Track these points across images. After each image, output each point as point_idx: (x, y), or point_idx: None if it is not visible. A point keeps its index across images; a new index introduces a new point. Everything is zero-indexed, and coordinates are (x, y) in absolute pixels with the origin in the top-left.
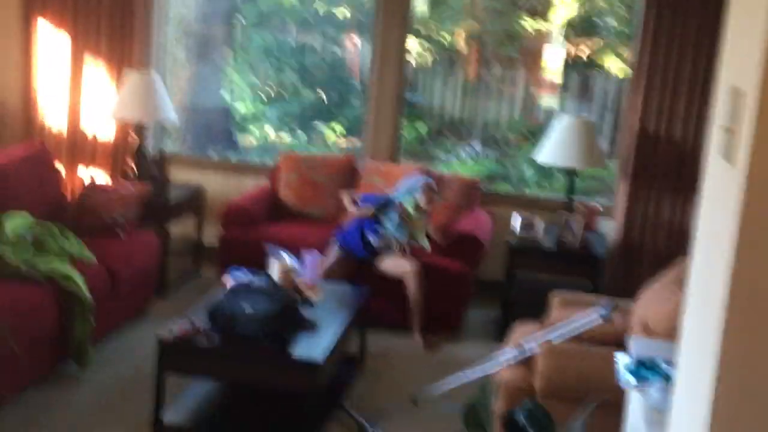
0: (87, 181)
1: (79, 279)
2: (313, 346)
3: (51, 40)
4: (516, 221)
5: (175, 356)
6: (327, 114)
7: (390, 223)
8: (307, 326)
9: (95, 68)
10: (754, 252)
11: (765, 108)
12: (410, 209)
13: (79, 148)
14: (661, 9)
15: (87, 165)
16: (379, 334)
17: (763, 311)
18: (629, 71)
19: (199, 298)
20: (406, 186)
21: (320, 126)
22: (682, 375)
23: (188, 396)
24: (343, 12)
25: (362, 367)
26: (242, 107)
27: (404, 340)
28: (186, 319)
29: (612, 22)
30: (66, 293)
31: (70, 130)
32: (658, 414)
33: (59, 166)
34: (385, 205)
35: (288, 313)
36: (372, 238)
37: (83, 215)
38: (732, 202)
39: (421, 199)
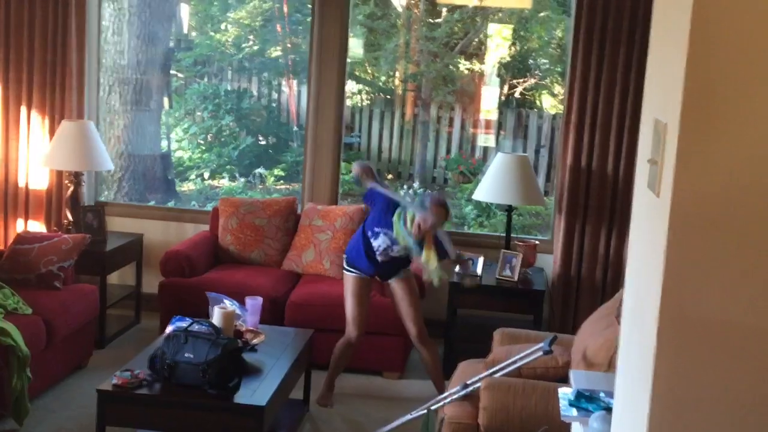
0: (22, 232)
1: (15, 332)
2: (257, 391)
3: None
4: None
5: (116, 407)
6: (266, 158)
7: (400, 227)
8: (250, 371)
9: (29, 119)
10: (680, 280)
11: (685, 139)
12: (407, 220)
13: (13, 199)
14: (588, 46)
15: (22, 216)
16: (324, 375)
17: (691, 338)
18: (561, 108)
19: (139, 348)
20: (419, 201)
21: (259, 170)
22: (619, 404)
23: None
24: (278, 55)
25: (307, 409)
26: (180, 154)
27: (348, 380)
28: (126, 369)
29: (544, 61)
30: (2, 347)
31: (3, 182)
32: None
33: None
34: (394, 203)
35: (230, 358)
36: (377, 243)
37: (18, 267)
38: (658, 231)
39: (419, 218)
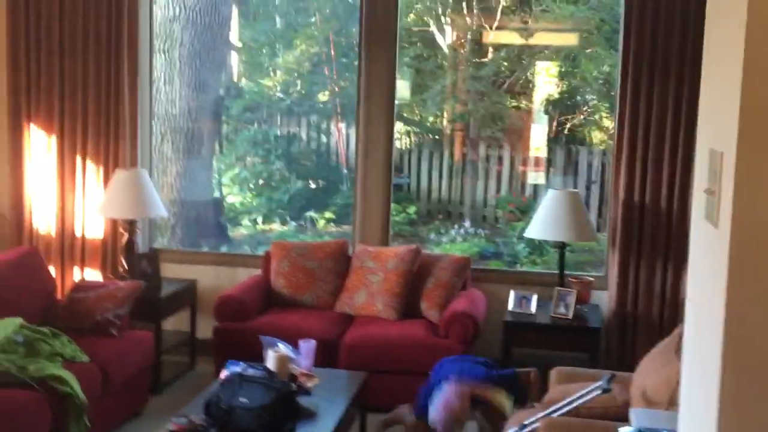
0: (78, 281)
1: (72, 380)
2: None
3: (39, 143)
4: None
5: None
6: (316, 201)
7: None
8: (305, 415)
9: (84, 168)
10: (743, 311)
11: (743, 167)
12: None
13: (69, 248)
14: (637, 80)
15: (78, 265)
16: (380, 417)
17: (757, 372)
18: (611, 143)
19: (194, 393)
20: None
21: (310, 213)
22: None
23: None
24: (326, 99)
25: None
26: (232, 199)
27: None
28: (182, 415)
29: (592, 97)
30: (59, 395)
31: (60, 231)
32: None
33: (51, 267)
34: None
35: (285, 402)
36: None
37: (74, 315)
38: (718, 263)
39: None
